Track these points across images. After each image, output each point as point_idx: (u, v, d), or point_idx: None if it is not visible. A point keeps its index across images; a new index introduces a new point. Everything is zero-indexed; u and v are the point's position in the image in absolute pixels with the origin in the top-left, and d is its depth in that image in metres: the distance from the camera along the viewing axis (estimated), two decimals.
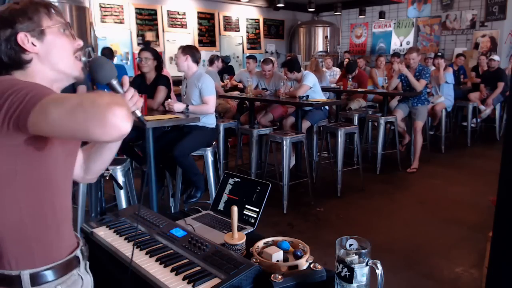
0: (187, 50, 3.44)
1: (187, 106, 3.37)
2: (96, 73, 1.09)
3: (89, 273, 1.12)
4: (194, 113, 3.33)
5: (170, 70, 5.61)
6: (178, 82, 4.70)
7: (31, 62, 1.00)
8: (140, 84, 3.63)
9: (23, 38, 0.98)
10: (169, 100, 3.44)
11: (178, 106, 3.32)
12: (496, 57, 6.52)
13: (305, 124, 4.49)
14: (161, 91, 3.57)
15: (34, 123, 0.81)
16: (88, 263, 1.13)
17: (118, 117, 0.75)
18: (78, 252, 1.07)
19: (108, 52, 5.69)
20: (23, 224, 0.94)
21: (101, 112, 0.75)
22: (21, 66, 1.00)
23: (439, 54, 6.80)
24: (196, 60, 3.47)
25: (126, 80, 1.12)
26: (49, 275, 0.97)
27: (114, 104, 0.76)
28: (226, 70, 7.27)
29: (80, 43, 1.07)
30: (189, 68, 3.45)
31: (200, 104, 3.42)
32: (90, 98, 0.78)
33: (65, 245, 1.04)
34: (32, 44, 0.99)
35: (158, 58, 3.63)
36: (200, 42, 8.43)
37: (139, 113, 1.11)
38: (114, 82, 1.10)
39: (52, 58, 1.02)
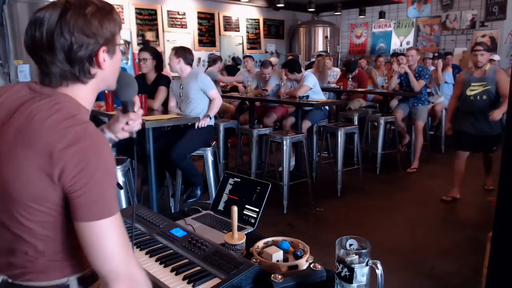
0: (180, 52, 3.44)
1: (209, 116, 3.46)
2: (122, 89, 1.10)
3: None
4: (214, 113, 3.55)
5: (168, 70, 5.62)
6: None
7: (95, 77, 0.94)
8: (140, 84, 3.62)
9: (101, 53, 0.91)
10: (201, 121, 3.42)
11: (206, 120, 3.42)
12: (496, 57, 6.52)
13: (305, 124, 4.49)
14: (162, 91, 3.58)
15: (80, 228, 0.83)
16: None
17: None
18: None
19: None
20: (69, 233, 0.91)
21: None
22: (84, 80, 0.93)
23: (436, 54, 6.78)
24: (189, 62, 3.49)
25: (137, 100, 1.16)
26: (93, 276, 0.97)
27: None
28: (234, 70, 7.30)
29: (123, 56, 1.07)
30: (182, 70, 3.47)
31: (211, 106, 3.51)
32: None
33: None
34: (104, 60, 0.93)
35: (157, 57, 3.63)
36: (200, 42, 8.43)
37: (135, 135, 1.20)
38: (131, 102, 1.15)
39: (110, 74, 0.99)
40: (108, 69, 0.96)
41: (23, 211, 0.85)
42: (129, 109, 1.15)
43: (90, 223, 0.82)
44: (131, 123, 1.16)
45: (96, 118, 4.03)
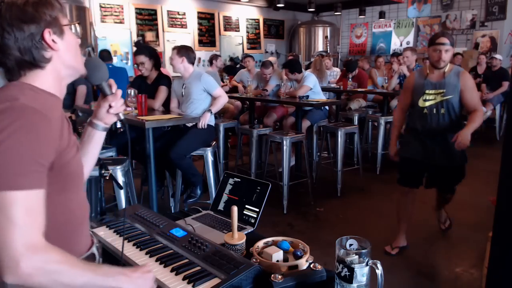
0: (182, 51, 3.42)
1: (210, 110, 3.40)
2: (91, 73, 1.13)
3: None
4: (217, 110, 3.51)
5: (170, 70, 5.61)
6: None
7: (51, 60, 0.99)
8: (140, 84, 3.63)
9: (47, 35, 0.96)
10: (202, 118, 3.39)
11: (207, 118, 3.36)
12: (498, 56, 6.51)
13: (305, 124, 4.49)
14: (162, 91, 3.57)
15: None
16: (101, 259, 1.15)
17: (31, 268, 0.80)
18: (94, 249, 1.10)
19: (107, 55, 5.68)
20: (53, 228, 0.92)
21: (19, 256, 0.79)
22: (41, 65, 0.98)
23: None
24: (192, 61, 3.47)
25: (113, 82, 1.18)
26: None
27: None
28: (233, 70, 7.28)
29: (79, 41, 1.09)
30: (186, 69, 3.45)
31: (215, 102, 3.48)
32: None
33: (84, 242, 1.07)
34: (53, 41, 0.97)
35: (153, 56, 3.61)
36: (200, 42, 8.43)
37: (122, 116, 1.20)
38: (105, 84, 1.16)
39: (68, 56, 1.02)
40: (63, 50, 1.00)
41: None
42: (106, 92, 1.17)
43: None
44: (113, 105, 1.17)
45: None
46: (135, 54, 3.66)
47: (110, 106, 1.18)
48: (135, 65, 3.65)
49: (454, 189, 2.90)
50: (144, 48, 3.75)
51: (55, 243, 0.89)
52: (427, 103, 2.63)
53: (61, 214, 0.99)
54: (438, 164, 2.68)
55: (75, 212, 1.04)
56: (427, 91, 2.63)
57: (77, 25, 1.06)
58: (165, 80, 3.63)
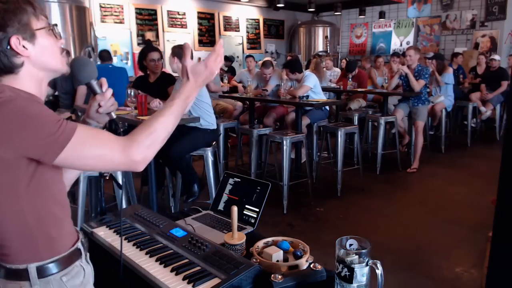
0: (175, 52, 3.39)
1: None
2: (78, 72, 1.12)
3: (89, 263, 1.15)
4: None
5: (171, 70, 5.61)
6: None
7: (23, 65, 0.98)
8: (141, 84, 3.63)
9: (15, 41, 0.95)
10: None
11: (156, 104, 3.34)
12: (497, 57, 6.52)
13: (305, 121, 4.48)
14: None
15: (63, 161, 0.91)
16: (88, 254, 1.15)
17: (140, 156, 0.97)
18: (79, 244, 1.10)
19: (106, 55, 5.67)
20: (27, 224, 0.97)
21: (126, 157, 0.96)
22: (13, 70, 0.97)
23: (429, 56, 6.74)
24: None
25: (104, 81, 1.17)
26: (54, 267, 1.01)
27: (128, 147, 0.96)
28: (233, 70, 7.27)
29: (63, 41, 1.08)
30: (180, 69, 3.44)
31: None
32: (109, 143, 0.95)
33: (67, 238, 1.07)
34: (24, 47, 0.96)
35: (161, 55, 3.67)
36: (200, 42, 8.43)
37: (114, 115, 1.19)
38: (94, 83, 1.15)
39: (43, 60, 1.01)
40: (36, 55, 0.99)
41: None
42: (95, 91, 1.15)
43: (62, 154, 0.90)
44: (103, 104, 1.15)
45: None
46: (150, 50, 3.67)
47: (99, 106, 1.16)
48: (151, 62, 3.64)
49: None
50: (156, 47, 3.80)
51: (39, 237, 0.98)
52: None
53: (42, 208, 1.00)
54: None
55: (55, 207, 1.04)
56: None
57: (52, 26, 1.04)
58: (173, 80, 3.64)
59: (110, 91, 1.16)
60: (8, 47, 0.95)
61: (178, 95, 1.07)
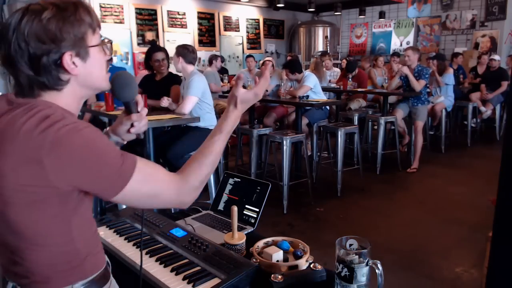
0: (179, 51, 3.40)
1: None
2: (119, 91, 1.04)
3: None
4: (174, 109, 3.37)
5: (171, 70, 5.61)
6: None
7: (68, 83, 0.89)
8: (148, 84, 3.63)
9: (67, 58, 0.85)
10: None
11: (165, 102, 3.36)
12: (497, 57, 6.52)
13: (304, 120, 4.49)
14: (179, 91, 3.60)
15: (121, 198, 0.87)
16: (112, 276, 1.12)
17: (190, 198, 0.98)
18: (107, 259, 1.07)
19: None
20: (77, 250, 0.93)
21: (179, 200, 0.97)
22: (56, 88, 0.88)
23: (430, 56, 6.74)
24: (190, 61, 3.41)
25: (140, 99, 1.10)
26: (99, 282, 0.97)
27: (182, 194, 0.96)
28: (221, 70, 7.26)
29: (110, 57, 0.98)
30: (184, 69, 3.43)
31: (180, 104, 3.35)
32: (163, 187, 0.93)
33: (102, 253, 1.03)
34: (73, 63, 0.87)
35: (167, 55, 3.66)
36: (200, 42, 8.42)
37: (142, 136, 1.15)
38: (132, 102, 1.07)
39: (90, 79, 0.92)
40: (85, 73, 0.90)
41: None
42: (132, 110, 1.08)
43: (123, 192, 0.86)
44: (136, 125, 1.09)
45: (96, 119, 4.02)
46: (154, 51, 3.66)
47: (132, 125, 1.09)
48: (156, 62, 3.63)
49: None
50: (163, 47, 3.80)
51: (86, 257, 0.94)
52: None
53: (86, 231, 0.96)
54: None
55: (93, 225, 1.00)
56: None
57: (108, 44, 0.95)
58: (179, 80, 3.64)
59: (146, 111, 1.10)
60: (59, 63, 0.85)
61: (224, 126, 1.05)
